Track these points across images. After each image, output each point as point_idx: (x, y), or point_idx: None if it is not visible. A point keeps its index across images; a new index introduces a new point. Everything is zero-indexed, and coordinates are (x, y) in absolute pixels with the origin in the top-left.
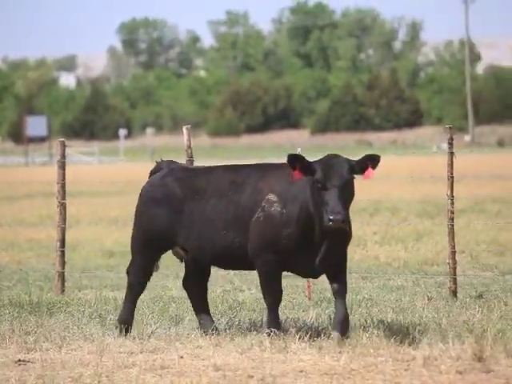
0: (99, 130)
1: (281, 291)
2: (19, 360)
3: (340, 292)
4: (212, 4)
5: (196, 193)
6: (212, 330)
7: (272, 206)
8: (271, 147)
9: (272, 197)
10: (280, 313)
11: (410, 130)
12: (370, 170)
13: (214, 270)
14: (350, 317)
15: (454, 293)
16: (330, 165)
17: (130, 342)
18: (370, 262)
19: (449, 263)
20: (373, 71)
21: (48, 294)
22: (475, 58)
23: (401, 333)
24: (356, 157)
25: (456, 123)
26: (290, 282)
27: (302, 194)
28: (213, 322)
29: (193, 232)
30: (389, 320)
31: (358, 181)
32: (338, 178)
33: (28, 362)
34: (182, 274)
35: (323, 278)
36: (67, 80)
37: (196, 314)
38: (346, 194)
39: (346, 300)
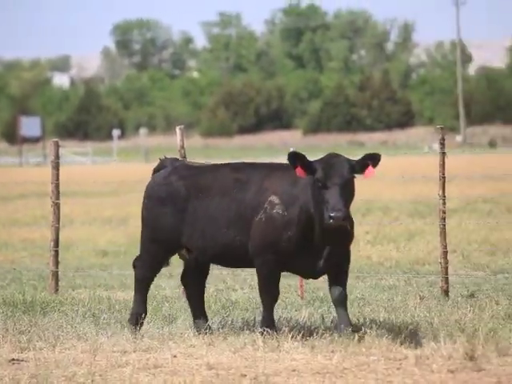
0: (93, 131)
1: (278, 292)
2: (13, 359)
3: (339, 300)
4: (205, 5)
5: (200, 191)
6: (205, 329)
7: (274, 208)
8: (263, 148)
9: (274, 198)
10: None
11: (402, 130)
12: (370, 168)
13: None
14: None
15: (446, 292)
16: (330, 164)
17: (124, 341)
18: (362, 261)
19: (440, 263)
20: (365, 72)
21: (42, 294)
22: (466, 59)
23: (393, 332)
24: (348, 157)
25: (447, 124)
26: (283, 281)
27: (303, 195)
28: (207, 320)
29: (196, 230)
30: (381, 319)
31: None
32: (338, 177)
33: (22, 361)
34: (175, 273)
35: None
36: (61, 80)
37: (192, 311)
38: (347, 193)
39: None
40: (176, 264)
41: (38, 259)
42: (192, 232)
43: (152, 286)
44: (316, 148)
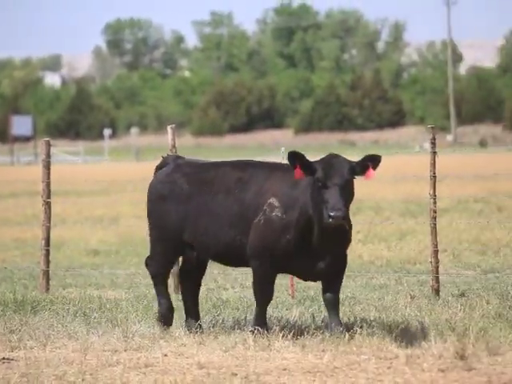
0: (84, 130)
1: (272, 292)
2: (3, 358)
3: (332, 302)
4: (197, 5)
5: (203, 188)
6: (196, 328)
7: (273, 211)
8: (255, 147)
9: (274, 201)
10: None
11: (393, 129)
12: (370, 170)
13: None
14: None
15: (437, 291)
16: (330, 164)
17: (115, 340)
18: (353, 260)
19: (431, 262)
20: (356, 72)
21: (33, 293)
22: (457, 58)
23: (383, 331)
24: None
25: (438, 123)
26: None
27: (303, 196)
28: (199, 318)
29: (199, 227)
30: (371, 318)
31: None
32: (338, 177)
33: (12, 360)
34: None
35: None
36: (52, 80)
37: (184, 309)
38: (347, 193)
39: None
40: None
41: (29, 258)
42: (195, 229)
43: (143, 285)
44: (307, 147)
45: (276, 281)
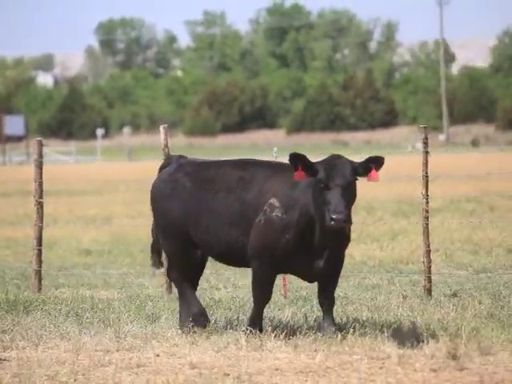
0: (76, 130)
1: (271, 293)
2: None
3: (327, 303)
4: (189, 4)
5: (205, 187)
6: (188, 328)
7: (273, 211)
8: (247, 147)
9: (274, 201)
10: None
11: (385, 129)
12: (373, 171)
13: None
14: None
15: (429, 291)
16: (333, 165)
17: (107, 340)
18: (345, 260)
19: (423, 262)
20: (348, 71)
21: (25, 293)
22: (450, 58)
23: (376, 331)
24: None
25: (431, 123)
26: None
27: (304, 197)
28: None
29: (201, 226)
30: (364, 318)
31: None
32: (340, 178)
33: (4, 360)
34: (158, 272)
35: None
36: (44, 79)
37: (180, 309)
38: (349, 194)
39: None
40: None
41: (21, 258)
42: (197, 227)
43: (135, 286)
44: (300, 147)
45: None
